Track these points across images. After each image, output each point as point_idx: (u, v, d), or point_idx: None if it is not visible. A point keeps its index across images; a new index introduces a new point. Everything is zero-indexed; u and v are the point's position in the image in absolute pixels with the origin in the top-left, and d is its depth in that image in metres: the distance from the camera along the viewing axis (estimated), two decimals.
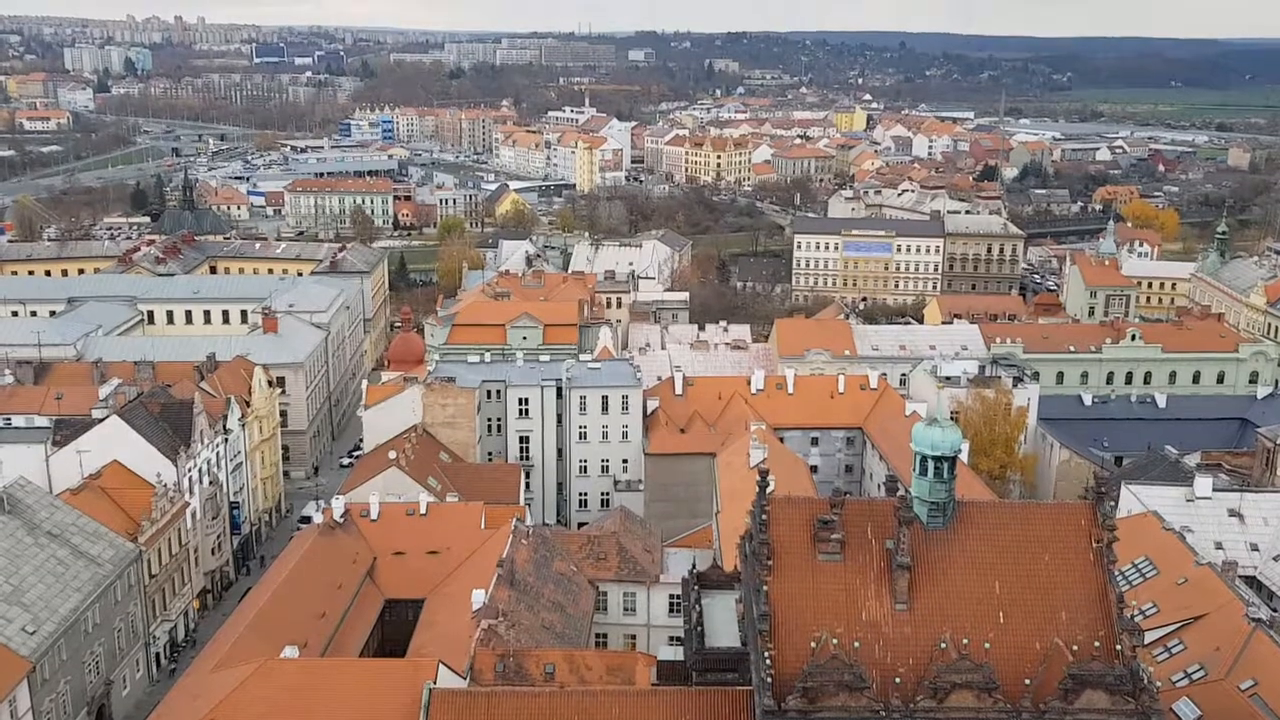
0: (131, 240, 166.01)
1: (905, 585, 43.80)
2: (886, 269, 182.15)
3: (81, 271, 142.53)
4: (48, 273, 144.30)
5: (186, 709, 46.96)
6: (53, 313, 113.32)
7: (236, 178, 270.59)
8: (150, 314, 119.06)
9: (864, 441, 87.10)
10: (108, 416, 71.28)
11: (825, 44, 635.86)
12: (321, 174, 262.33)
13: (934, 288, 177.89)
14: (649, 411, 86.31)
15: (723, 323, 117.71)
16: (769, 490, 46.33)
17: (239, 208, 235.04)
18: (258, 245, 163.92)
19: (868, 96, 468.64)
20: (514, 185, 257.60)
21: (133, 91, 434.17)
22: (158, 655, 69.58)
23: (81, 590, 59.57)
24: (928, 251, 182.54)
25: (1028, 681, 41.53)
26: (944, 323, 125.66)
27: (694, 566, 55.69)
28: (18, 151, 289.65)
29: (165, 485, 69.65)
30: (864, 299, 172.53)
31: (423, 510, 66.70)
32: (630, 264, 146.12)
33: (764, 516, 45.03)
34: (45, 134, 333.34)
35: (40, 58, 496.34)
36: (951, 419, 65.49)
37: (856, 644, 42.85)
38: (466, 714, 41.45)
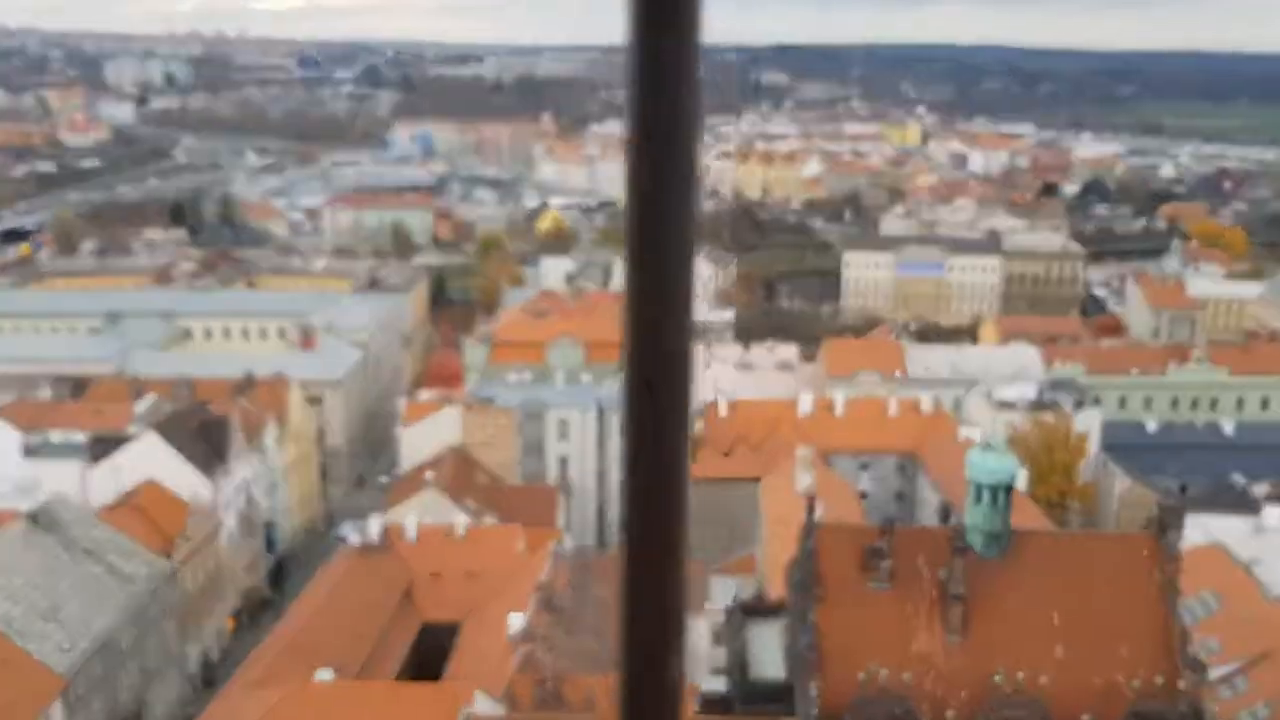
0: (170, 255, 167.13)
1: (959, 616, 42.40)
2: (940, 288, 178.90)
3: (119, 287, 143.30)
4: (86, 288, 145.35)
5: (234, 717, 46.23)
6: (92, 329, 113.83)
7: (275, 193, 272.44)
8: (188, 330, 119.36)
9: (916, 467, 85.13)
10: (144, 433, 71.02)
11: (877, 55, 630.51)
12: (361, 189, 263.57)
13: (990, 308, 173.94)
14: (691, 434, 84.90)
15: (769, 343, 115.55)
16: (817, 517, 45.11)
17: (278, 223, 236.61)
18: (296, 261, 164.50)
19: (921, 110, 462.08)
20: (555, 201, 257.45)
21: (173, 105, 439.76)
22: (192, 675, 69.00)
23: (116, 608, 59.12)
24: (984, 271, 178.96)
25: (1086, 718, 39.86)
26: (1000, 344, 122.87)
27: (737, 595, 54.39)
28: (59, 166, 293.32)
29: (201, 503, 69.22)
30: (916, 319, 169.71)
31: (460, 532, 65.82)
32: None
33: (811, 544, 43.84)
34: (86, 148, 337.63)
35: (81, 72, 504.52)
36: (1008, 445, 63.62)
37: (907, 677, 41.47)
38: None
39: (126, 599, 59.95)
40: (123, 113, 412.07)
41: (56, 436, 73.00)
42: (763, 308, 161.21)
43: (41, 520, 60.09)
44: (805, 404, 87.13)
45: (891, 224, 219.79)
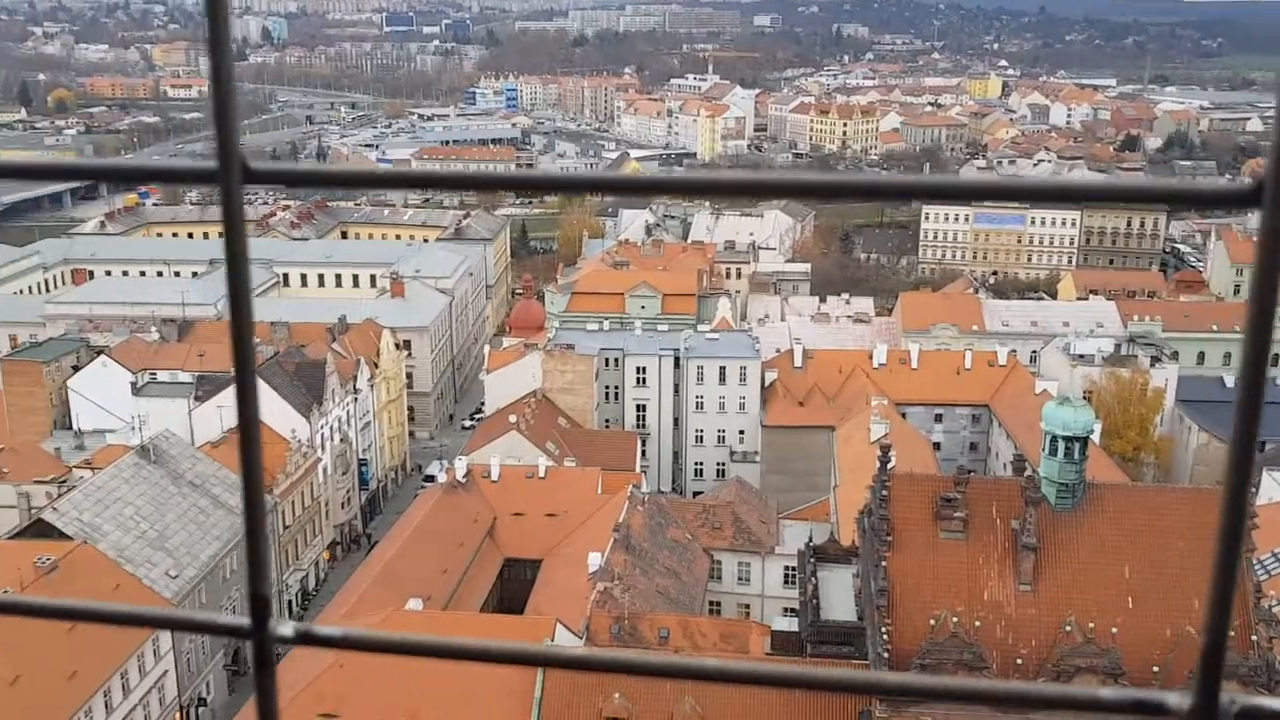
0: (268, 205, 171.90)
1: (1030, 566, 43.06)
2: (1019, 242, 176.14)
3: (221, 234, 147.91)
4: (190, 235, 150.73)
5: (319, 653, 49.04)
6: (195, 273, 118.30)
7: (366, 145, 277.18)
8: (285, 276, 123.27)
9: (990, 419, 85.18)
10: None
11: (960, 8, 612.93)
12: (447, 142, 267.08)
13: (1069, 262, 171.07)
14: (767, 383, 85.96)
15: (845, 295, 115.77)
16: (890, 466, 45.92)
17: None
18: (386, 211, 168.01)
19: (1003, 62, 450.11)
20: (634, 154, 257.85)
21: (269, 60, 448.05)
22: (289, 602, 72.66)
23: (220, 538, 62.56)
24: (1063, 224, 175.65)
25: (1156, 669, 40.41)
26: (1079, 299, 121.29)
27: (810, 539, 55.59)
28: (162, 118, 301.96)
29: (299, 441, 72.44)
30: (994, 273, 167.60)
31: (541, 474, 67.93)
32: (751, 234, 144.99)
33: (885, 492, 44.69)
34: (187, 101, 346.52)
35: (183, 27, 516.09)
36: (1084, 399, 63.55)
37: (977, 623, 42.30)
38: (582, 673, 42.26)
39: (230, 529, 63.37)
40: None
41: (164, 376, 76.73)
42: (839, 260, 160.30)
43: (150, 454, 63.61)
44: (880, 355, 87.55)
45: (971, 177, 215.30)
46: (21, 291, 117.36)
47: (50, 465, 68.05)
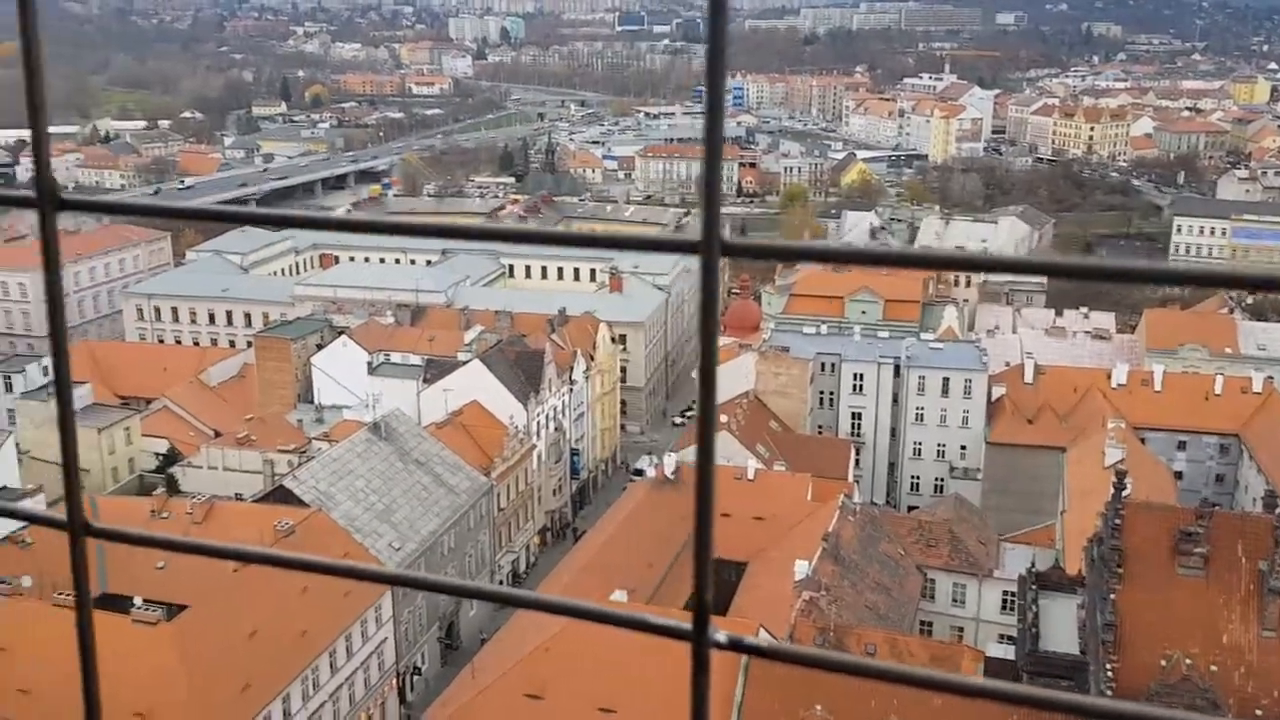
0: (498, 198, 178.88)
1: (1277, 611, 39.52)
2: None
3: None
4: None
5: (525, 635, 50.41)
6: (429, 262, 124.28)
7: (593, 142, 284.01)
8: (511, 268, 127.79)
9: (1240, 451, 78.66)
10: (471, 360, 77.36)
11: (1226, 6, 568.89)
12: (671, 140, 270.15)
13: None
14: (993, 398, 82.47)
15: (1083, 309, 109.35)
16: (1125, 493, 43.17)
17: (594, 171, 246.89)
18: (608, 208, 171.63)
19: (1273, 65, 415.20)
20: (862, 154, 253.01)
21: (506, 59, 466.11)
22: (501, 583, 75.21)
23: (441, 515, 65.32)
24: None
25: None
26: None
27: (1033, 565, 52.89)
28: (406, 114, 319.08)
29: (516, 427, 74.84)
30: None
31: (750, 476, 67.45)
32: (983, 241, 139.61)
33: (1117, 520, 42.10)
34: (429, 98, 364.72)
35: (429, 27, 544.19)
36: None
37: (1213, 668, 39.24)
38: (785, 680, 41.65)
39: (450, 507, 66.11)
40: (462, 65, 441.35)
41: (396, 358, 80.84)
42: None
43: (381, 431, 67.11)
44: (1120, 375, 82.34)
45: (1230, 187, 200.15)
46: (275, 274, 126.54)
47: (292, 435, 72.88)
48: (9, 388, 79.14)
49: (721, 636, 2.03)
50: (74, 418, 2.38)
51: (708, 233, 1.91)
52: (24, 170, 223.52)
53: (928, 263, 2.22)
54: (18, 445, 65.76)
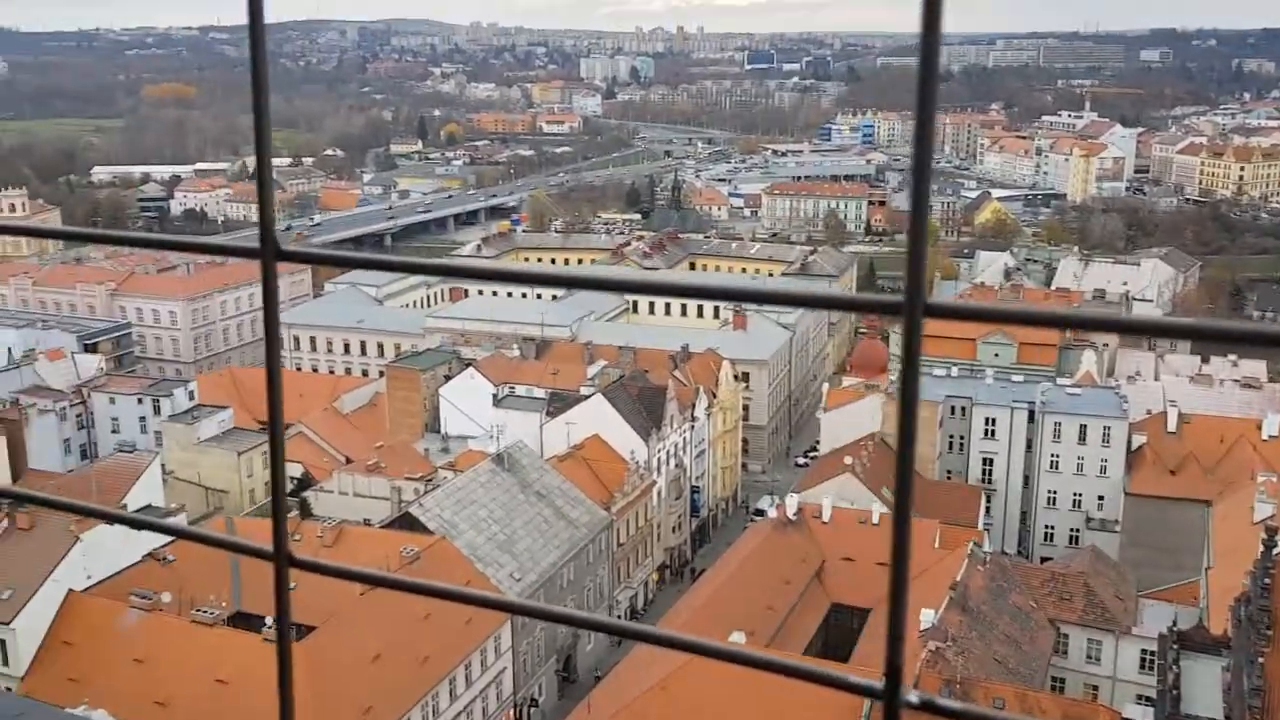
0: (624, 235, 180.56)
1: None
2: None
3: (580, 261, 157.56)
4: (553, 260, 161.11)
5: (642, 672, 50.14)
6: (554, 296, 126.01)
7: (719, 180, 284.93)
8: (635, 303, 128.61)
9: None
10: (593, 394, 77.93)
11: None
12: (799, 177, 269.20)
13: None
14: (1134, 447, 79.11)
15: (1232, 356, 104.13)
16: (1276, 551, 40.74)
17: (719, 208, 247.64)
18: (734, 245, 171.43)
19: None
20: (996, 193, 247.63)
21: (635, 98, 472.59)
22: (619, 618, 75.06)
23: (561, 548, 65.73)
24: None
25: None
26: None
27: (1175, 623, 50.28)
28: (536, 152, 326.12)
29: (637, 462, 74.95)
30: None
31: (875, 520, 66.05)
32: (1124, 284, 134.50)
33: (1267, 580, 39.73)
34: (559, 136, 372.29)
35: (560, 67, 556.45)
36: None
37: None
38: None
39: (569, 540, 66.49)
40: (592, 104, 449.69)
41: (521, 390, 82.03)
42: (1228, 317, 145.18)
43: (504, 462, 68.06)
44: (1271, 426, 78.02)
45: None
46: (408, 305, 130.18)
47: (419, 464, 74.47)
48: (157, 410, 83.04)
49: (914, 697, 2.07)
50: (283, 450, 2.56)
51: (911, 293, 1.99)
52: (176, 204, 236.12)
53: (1120, 327, 2.08)
54: (163, 466, 68.89)
